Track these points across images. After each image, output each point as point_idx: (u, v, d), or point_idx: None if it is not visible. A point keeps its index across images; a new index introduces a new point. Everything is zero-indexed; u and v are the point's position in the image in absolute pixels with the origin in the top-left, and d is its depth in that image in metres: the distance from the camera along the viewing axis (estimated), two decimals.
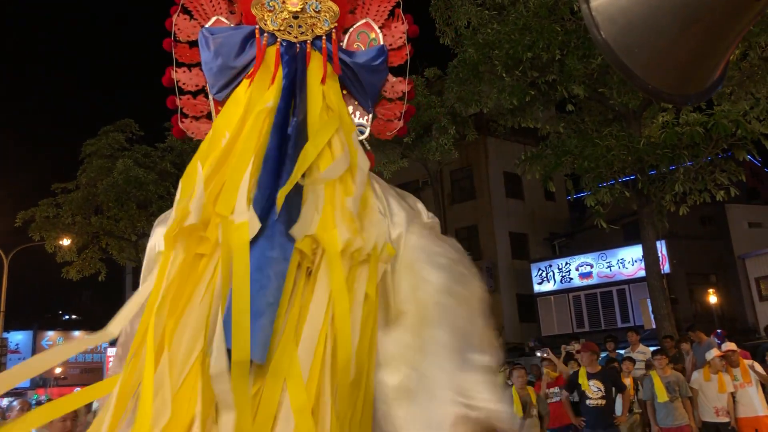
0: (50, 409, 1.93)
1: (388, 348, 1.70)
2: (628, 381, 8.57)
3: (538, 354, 10.68)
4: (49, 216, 21.18)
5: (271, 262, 1.72)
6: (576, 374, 8.20)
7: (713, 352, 8.48)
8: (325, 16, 2.25)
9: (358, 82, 2.27)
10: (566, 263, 24.50)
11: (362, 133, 2.30)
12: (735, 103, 10.81)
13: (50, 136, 73.25)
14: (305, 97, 2.09)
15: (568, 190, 13.19)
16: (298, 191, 1.85)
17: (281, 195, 1.79)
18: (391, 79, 2.40)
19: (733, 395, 8.30)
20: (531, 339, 19.60)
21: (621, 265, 22.98)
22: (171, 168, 22.16)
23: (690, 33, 1.15)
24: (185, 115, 2.39)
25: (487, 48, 12.07)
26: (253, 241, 1.75)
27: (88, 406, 5.58)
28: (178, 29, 2.38)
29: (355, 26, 2.41)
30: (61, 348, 2.08)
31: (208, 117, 2.37)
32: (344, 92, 2.27)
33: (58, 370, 36.44)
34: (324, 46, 2.22)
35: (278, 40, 2.20)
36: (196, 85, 2.38)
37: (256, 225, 1.75)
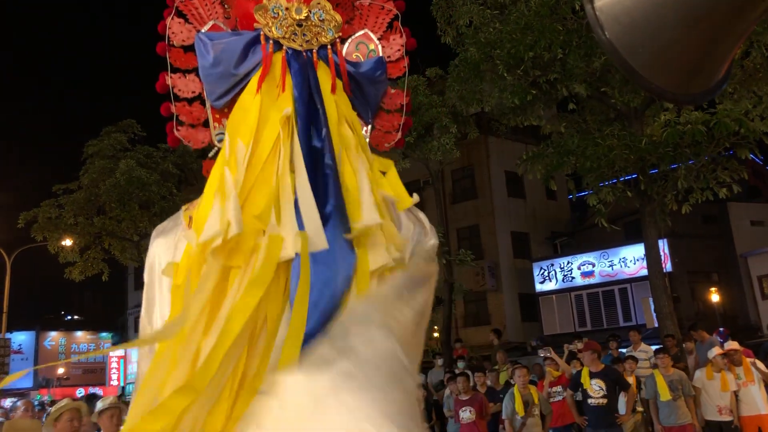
0: None
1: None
2: (631, 380, 8.57)
3: (541, 353, 10.68)
4: (52, 217, 21.21)
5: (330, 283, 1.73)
6: (579, 373, 8.20)
7: (715, 351, 8.48)
8: (329, 25, 2.23)
9: (361, 93, 2.25)
10: (568, 262, 24.49)
11: None
12: (737, 101, 10.77)
13: (52, 137, 73.36)
14: (323, 107, 2.06)
15: (570, 189, 13.18)
16: (339, 200, 1.86)
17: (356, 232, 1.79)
18: (390, 91, 2.39)
19: (735, 394, 8.30)
20: (533, 338, 19.60)
21: (623, 264, 22.97)
22: (173, 168, 22.19)
23: (694, 32, 1.15)
24: (181, 123, 2.29)
25: (488, 47, 12.06)
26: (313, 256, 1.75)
27: (92, 406, 5.58)
28: (173, 33, 2.29)
29: (353, 37, 2.38)
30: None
31: (205, 125, 2.28)
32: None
33: (60, 371, 36.52)
34: (330, 56, 2.20)
35: (284, 47, 2.16)
36: (192, 92, 2.29)
37: (322, 241, 1.75)
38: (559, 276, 24.60)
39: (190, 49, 2.28)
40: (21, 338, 36.77)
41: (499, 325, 22.15)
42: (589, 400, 7.92)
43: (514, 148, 23.19)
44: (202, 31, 2.28)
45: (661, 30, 1.17)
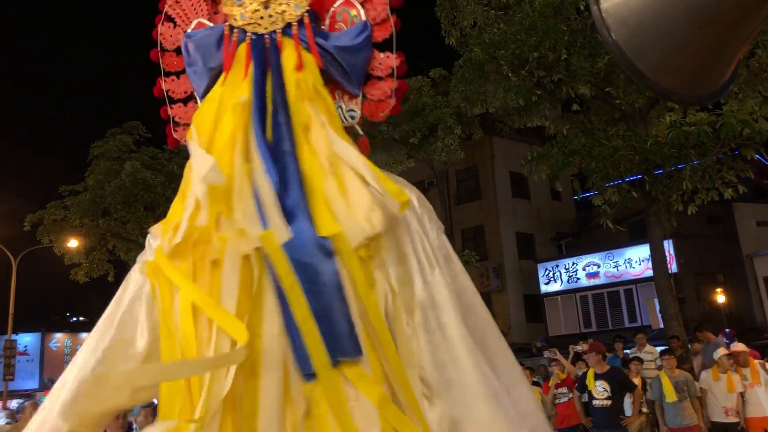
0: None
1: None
2: (636, 381, 8.54)
3: (546, 354, 10.66)
4: (57, 218, 21.29)
5: (306, 267, 1.67)
6: (585, 375, 8.19)
7: (720, 351, 8.45)
8: (297, 1, 2.15)
9: (339, 65, 2.13)
10: (573, 263, 24.44)
11: (353, 118, 2.18)
12: (743, 101, 10.74)
13: (57, 139, 73.57)
14: (283, 88, 2.00)
15: (575, 190, 13.17)
16: (300, 190, 1.80)
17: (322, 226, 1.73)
18: (378, 55, 2.22)
19: (742, 395, 8.26)
20: (538, 339, 19.56)
21: (628, 265, 22.91)
22: (178, 170, 22.11)
23: (701, 34, 1.14)
24: (177, 124, 2.32)
25: (492, 48, 12.05)
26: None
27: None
28: (164, 38, 2.32)
29: (336, 5, 2.25)
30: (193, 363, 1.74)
31: None
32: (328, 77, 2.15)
33: None
34: (295, 32, 2.11)
35: (248, 34, 2.13)
36: (185, 92, 2.31)
37: (284, 233, 1.70)
38: (564, 277, 24.55)
39: (180, 51, 2.31)
40: (27, 340, 36.85)
41: (504, 326, 22.13)
42: (594, 402, 7.90)
43: (519, 148, 23.16)
44: (188, 31, 2.29)
45: (669, 32, 1.16)
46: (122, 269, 25.27)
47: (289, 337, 1.64)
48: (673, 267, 18.23)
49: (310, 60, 2.09)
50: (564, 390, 9.10)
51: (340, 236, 1.72)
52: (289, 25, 2.13)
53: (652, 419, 8.75)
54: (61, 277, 23.38)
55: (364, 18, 2.21)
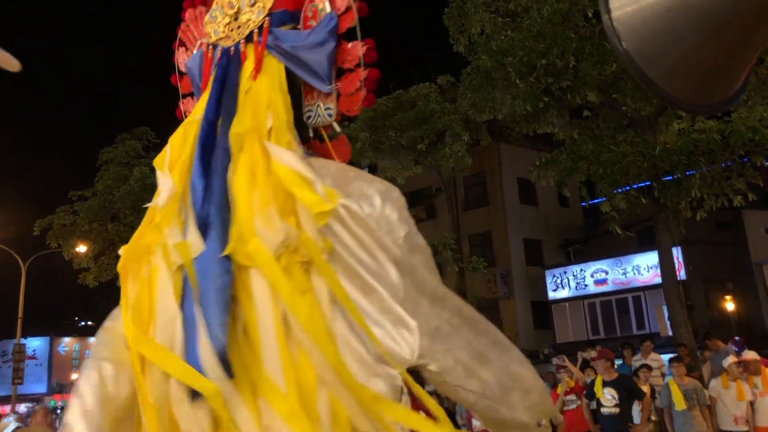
0: None
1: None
2: (645, 389, 8.50)
3: (554, 361, 10.61)
4: (66, 223, 21.42)
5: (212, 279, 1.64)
6: (593, 382, 8.15)
7: (729, 359, 8.39)
8: (259, 6, 2.08)
9: (303, 64, 2.03)
10: (581, 270, 24.36)
11: (330, 116, 2.06)
12: (752, 109, 10.71)
13: (57, 139, 73.96)
14: (235, 98, 1.95)
15: (583, 196, 13.14)
16: (220, 203, 1.80)
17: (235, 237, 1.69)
18: (347, 46, 2.07)
19: (752, 403, 8.20)
20: (546, 346, 19.50)
21: (636, 272, 22.82)
22: None
23: (714, 42, 1.15)
24: None
25: (500, 55, 12.08)
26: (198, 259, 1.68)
27: None
28: (178, 63, 2.33)
29: (306, 2, 2.13)
30: None
31: None
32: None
33: (74, 377, 36.72)
34: (255, 39, 2.04)
35: (218, 48, 2.09)
36: None
37: (198, 246, 1.66)
38: (572, 283, 24.47)
39: None
40: (35, 344, 37.01)
41: (512, 332, 22.06)
42: (602, 409, 7.87)
43: (527, 154, 23.14)
44: (195, 52, 2.32)
45: (681, 40, 1.17)
46: None
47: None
48: (681, 274, 18.13)
49: (273, 65, 2.03)
50: (572, 397, 9.05)
51: (256, 248, 1.70)
52: (252, 33, 2.08)
53: (661, 427, 8.70)
54: (70, 281, 23.51)
55: (329, 9, 2.08)
